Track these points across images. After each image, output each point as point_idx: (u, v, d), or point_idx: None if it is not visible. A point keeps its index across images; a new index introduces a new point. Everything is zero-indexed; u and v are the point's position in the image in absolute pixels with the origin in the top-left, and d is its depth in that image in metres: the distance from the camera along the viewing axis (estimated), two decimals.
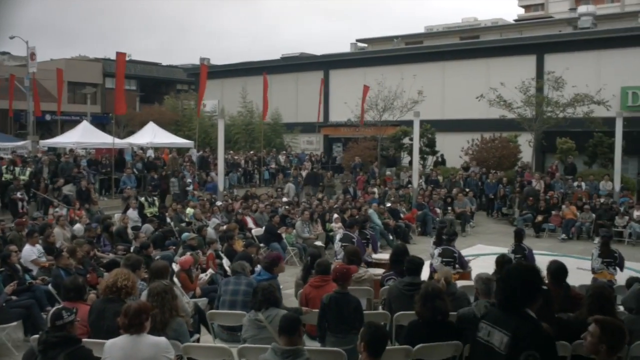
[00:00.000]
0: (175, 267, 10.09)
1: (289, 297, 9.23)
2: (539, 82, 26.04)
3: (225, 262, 11.57)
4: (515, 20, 53.72)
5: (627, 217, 17.71)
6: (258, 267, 9.88)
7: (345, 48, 45.17)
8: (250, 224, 16.19)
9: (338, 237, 11.39)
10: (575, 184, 22.04)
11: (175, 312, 5.84)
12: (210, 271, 10.69)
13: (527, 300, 3.87)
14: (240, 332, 6.98)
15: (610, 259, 9.69)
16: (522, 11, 64.65)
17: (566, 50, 28.80)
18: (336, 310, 6.20)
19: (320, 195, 20.66)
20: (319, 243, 15.11)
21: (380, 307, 7.88)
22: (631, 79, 26.96)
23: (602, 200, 19.26)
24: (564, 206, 19.13)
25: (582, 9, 36.68)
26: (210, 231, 14.11)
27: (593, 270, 9.86)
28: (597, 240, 17.07)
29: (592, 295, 5.57)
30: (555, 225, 18.59)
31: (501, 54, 30.78)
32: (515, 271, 3.98)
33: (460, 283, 9.22)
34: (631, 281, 6.61)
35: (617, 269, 9.77)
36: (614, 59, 27.66)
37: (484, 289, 5.70)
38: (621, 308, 6.43)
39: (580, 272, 9.87)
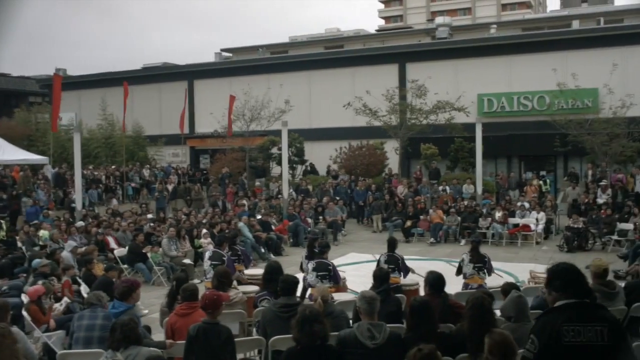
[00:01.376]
0: (25, 298, 9.03)
1: (154, 321, 8.45)
2: (403, 90, 26.72)
3: (84, 289, 10.56)
4: (377, 31, 55.29)
5: (489, 219, 18.38)
6: None
7: (210, 58, 44.25)
8: (112, 244, 15.10)
9: (207, 255, 10.71)
10: (440, 188, 22.71)
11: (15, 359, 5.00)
12: (65, 300, 9.67)
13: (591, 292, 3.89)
14: None
15: (481, 264, 9.78)
16: (382, 22, 66.76)
17: (426, 60, 29.84)
18: (204, 342, 5.60)
19: (187, 210, 19.80)
20: (187, 261, 14.32)
21: (254, 330, 7.37)
22: (486, 86, 28.33)
23: (465, 203, 19.89)
24: (431, 210, 19.56)
25: (439, 20, 38.32)
26: (66, 255, 12.92)
27: (464, 276, 9.90)
28: (463, 242, 17.72)
29: (473, 307, 5.40)
30: (424, 229, 18.95)
31: (365, 63, 31.33)
32: (569, 268, 3.90)
33: (337, 297, 8.95)
34: (508, 288, 6.54)
35: (487, 273, 9.88)
36: (470, 67, 28.99)
37: (367, 309, 5.33)
38: (497, 314, 6.38)
39: (452, 279, 9.87)
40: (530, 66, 27.54)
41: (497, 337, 4.07)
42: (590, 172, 23.02)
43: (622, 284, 7.72)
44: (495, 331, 4.32)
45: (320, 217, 19.61)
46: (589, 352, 3.54)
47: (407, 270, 10.17)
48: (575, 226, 16.92)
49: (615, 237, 16.66)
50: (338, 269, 10.11)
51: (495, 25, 40.30)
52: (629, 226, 16.66)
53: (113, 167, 28.58)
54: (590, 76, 24.12)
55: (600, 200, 19.41)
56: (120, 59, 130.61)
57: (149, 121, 34.40)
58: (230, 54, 47.74)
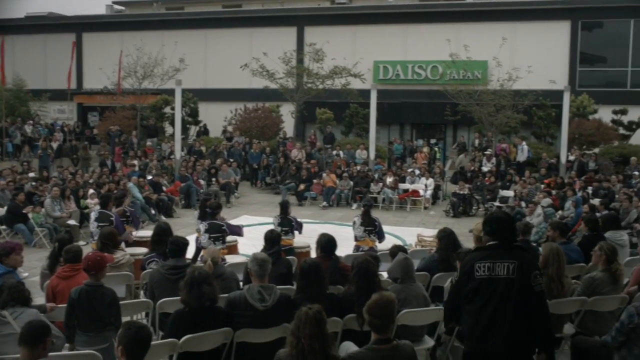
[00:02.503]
0: None
1: (35, 285, 8.04)
2: (300, 54, 26.60)
3: None
4: None
5: (381, 184, 18.79)
6: None
7: (100, 10, 41.97)
8: None
9: (93, 216, 10.27)
10: (334, 152, 22.94)
11: None
12: None
13: (516, 235, 4.76)
14: None
15: (371, 227, 9.98)
16: None
17: (325, 24, 29.80)
18: (87, 305, 5.37)
19: (74, 169, 18.92)
20: (72, 222, 13.73)
21: (141, 293, 7.17)
22: (382, 54, 28.72)
23: (358, 168, 20.21)
24: (324, 174, 19.73)
25: None
26: None
27: (355, 238, 10.08)
28: (355, 206, 18.05)
29: (358, 272, 5.53)
30: (317, 193, 19.12)
31: (263, 24, 30.87)
32: (500, 216, 4.66)
33: (228, 258, 8.88)
34: (395, 250, 6.70)
35: (377, 237, 10.10)
36: (368, 34, 29.27)
37: (258, 272, 5.28)
38: (385, 276, 6.54)
39: (348, 242, 10.04)
40: (426, 36, 28.16)
41: (377, 297, 4.17)
42: (477, 141, 23.98)
43: None
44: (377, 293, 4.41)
45: (213, 179, 19.32)
46: (497, 283, 4.32)
47: (301, 227, 10.33)
48: (461, 192, 17.63)
49: (497, 203, 17.48)
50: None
51: None
52: (509, 193, 17.58)
53: None
54: (481, 49, 24.92)
55: (484, 169, 20.27)
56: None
57: (32, 74, 32.24)
58: (123, 7, 45.54)
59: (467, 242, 7.87)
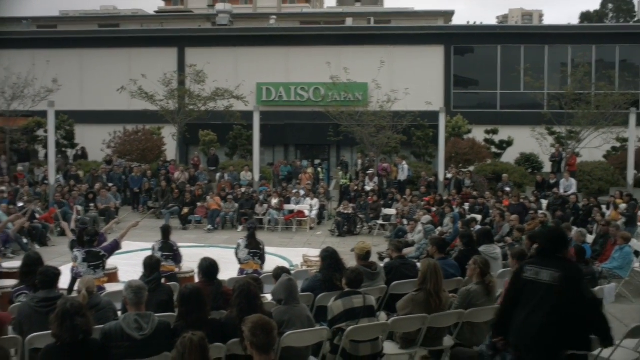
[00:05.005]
0: None
1: None
2: (181, 75, 26.21)
3: None
4: (156, 12, 53.64)
5: (266, 205, 18.75)
6: None
7: None
8: None
9: None
10: (218, 175, 22.67)
11: None
12: None
13: (563, 249, 5.13)
14: None
15: (257, 250, 9.89)
16: (162, 4, 64.92)
17: (206, 45, 29.65)
18: None
19: None
20: None
21: (10, 329, 6.66)
22: (265, 75, 28.88)
23: (243, 190, 20.07)
24: (208, 197, 19.43)
25: (219, 6, 38.08)
26: None
27: (240, 261, 9.95)
28: (240, 228, 17.88)
29: (240, 295, 5.45)
30: (201, 216, 18.77)
31: (143, 45, 30.26)
32: (546, 230, 5.73)
33: (109, 287, 8.50)
34: (278, 271, 6.65)
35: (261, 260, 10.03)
36: (250, 56, 29.39)
37: (134, 299, 5.07)
38: (269, 298, 6.48)
39: (228, 265, 9.87)
40: (307, 58, 28.66)
41: (254, 319, 4.17)
42: (360, 162, 24.52)
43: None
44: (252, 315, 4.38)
45: (92, 205, 18.51)
46: (541, 287, 4.85)
47: (181, 258, 10.04)
48: (346, 212, 17.92)
49: (380, 221, 17.97)
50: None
51: (275, 17, 41.24)
52: (392, 211, 18.05)
53: None
54: (360, 71, 25.63)
55: (367, 188, 20.74)
56: None
57: None
58: None
59: (352, 261, 7.95)
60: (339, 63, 25.92)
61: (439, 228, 14.91)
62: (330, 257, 7.16)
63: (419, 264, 7.56)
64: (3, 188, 18.79)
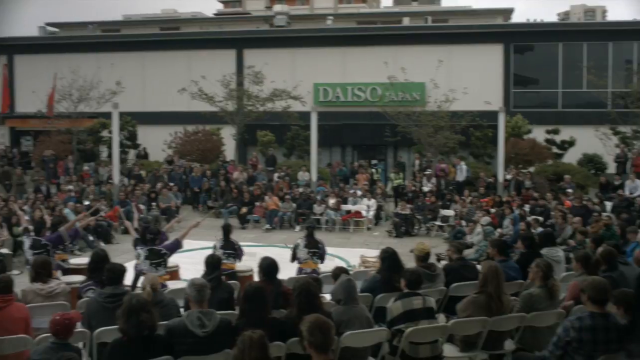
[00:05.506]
0: None
1: None
2: (240, 77, 26.55)
3: None
4: (215, 15, 54.51)
5: (323, 205, 18.82)
6: None
7: (33, 32, 41.02)
8: None
9: (27, 244, 9.94)
10: (276, 175, 22.88)
11: None
12: None
13: None
14: None
15: (315, 249, 9.95)
16: (221, 6, 65.93)
17: (264, 47, 29.87)
18: None
19: (6, 195, 18.26)
20: (5, 250, 13.22)
21: (78, 323, 6.90)
22: (322, 76, 28.95)
23: (300, 190, 20.20)
24: (266, 197, 19.64)
25: (277, 7, 38.55)
26: None
27: (299, 260, 10.02)
28: (298, 228, 18.00)
29: (300, 294, 5.48)
30: (259, 216, 18.99)
31: (202, 47, 30.72)
32: None
33: (170, 284, 8.69)
34: (337, 271, 6.67)
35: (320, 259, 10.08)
36: (307, 57, 29.51)
37: (197, 297, 5.19)
38: (328, 298, 6.50)
39: (287, 264, 9.96)
40: (364, 58, 28.55)
41: (312, 318, 4.18)
42: (417, 162, 24.34)
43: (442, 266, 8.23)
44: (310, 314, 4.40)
45: (153, 204, 18.97)
46: None
47: (241, 254, 10.17)
48: (403, 213, 17.83)
49: (438, 222, 17.80)
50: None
51: (332, 17, 41.33)
52: (450, 212, 17.87)
53: None
54: (418, 71, 25.41)
55: (425, 189, 20.58)
56: None
57: None
58: (57, 29, 44.65)
59: (410, 262, 7.91)
60: (396, 63, 25.78)
61: (499, 230, 14.67)
62: (389, 258, 7.12)
63: (479, 266, 7.45)
64: (70, 187, 19.48)
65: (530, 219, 14.55)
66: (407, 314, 5.80)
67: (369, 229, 18.51)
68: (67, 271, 9.93)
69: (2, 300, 5.97)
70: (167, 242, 9.81)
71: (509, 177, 21.36)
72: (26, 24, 50.88)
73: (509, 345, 6.30)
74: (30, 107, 28.80)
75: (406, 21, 37.84)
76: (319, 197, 19.47)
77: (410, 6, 51.58)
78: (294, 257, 10.11)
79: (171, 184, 20.89)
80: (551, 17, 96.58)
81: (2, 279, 6.14)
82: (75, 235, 11.53)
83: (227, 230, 10.29)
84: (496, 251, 7.78)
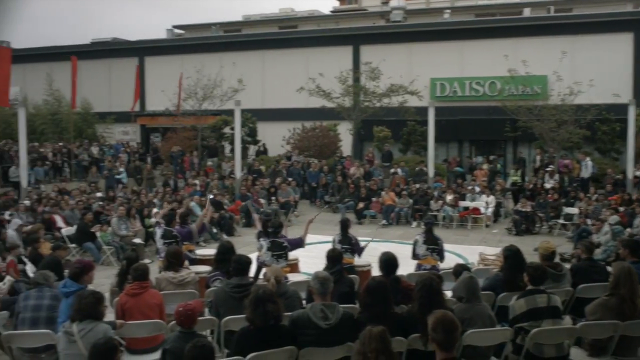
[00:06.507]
0: None
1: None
2: (356, 73, 26.72)
3: (30, 268, 10.28)
4: (331, 12, 54.99)
5: (440, 202, 18.60)
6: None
7: (161, 34, 43.30)
8: (60, 222, 14.73)
9: (159, 233, 10.54)
10: (392, 170, 22.85)
11: None
12: (8, 278, 9.37)
13: None
14: (44, 353, 6.10)
15: (434, 246, 9.88)
16: (337, 3, 66.40)
17: (380, 42, 29.85)
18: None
19: (138, 189, 19.44)
20: (138, 240, 14.11)
21: (206, 311, 7.28)
22: (439, 70, 28.56)
23: (417, 186, 20.07)
24: (383, 192, 19.68)
25: (393, 2, 38.31)
26: (11, 234, 12.61)
27: (417, 257, 9.98)
28: (414, 224, 17.92)
29: (422, 289, 5.46)
30: (376, 211, 19.06)
31: (319, 44, 31.18)
32: None
33: (290, 277, 8.93)
34: (459, 269, 6.61)
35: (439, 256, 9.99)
36: (424, 51, 29.19)
37: (320, 290, 5.31)
38: (449, 295, 6.46)
39: (404, 260, 9.95)
40: (482, 52, 27.87)
41: (439, 314, 4.16)
42: (538, 158, 23.49)
43: (568, 266, 7.92)
44: (438, 310, 4.38)
45: (273, 198, 19.52)
46: None
47: (361, 251, 10.23)
48: (523, 210, 17.27)
49: (561, 220, 17.09)
50: None
51: (449, 10, 40.58)
52: (574, 210, 17.09)
53: (60, 144, 27.82)
54: (540, 63, 24.53)
55: (547, 185, 19.83)
56: (66, 34, 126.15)
57: (97, 97, 33.49)
58: (182, 31, 46.87)
59: (533, 261, 7.67)
60: (517, 55, 24.97)
61: (628, 229, 13.89)
62: (513, 256, 6.90)
63: (608, 268, 7.13)
64: (196, 181, 20.42)
65: None
66: (531, 312, 5.66)
67: (487, 226, 18.11)
68: (194, 261, 10.42)
69: (139, 286, 6.40)
70: (291, 237, 10.09)
71: (639, 173, 20.15)
72: (155, 28, 53.62)
73: None
74: (159, 106, 30.52)
75: (527, 12, 36.43)
76: (436, 194, 19.26)
77: None
78: (414, 254, 10.07)
79: (290, 179, 21.38)
80: None
81: (140, 267, 6.59)
82: (202, 230, 12.11)
83: (345, 225, 10.36)
84: (628, 252, 7.39)
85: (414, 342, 5.34)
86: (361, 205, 19.16)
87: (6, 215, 13.71)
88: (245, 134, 26.92)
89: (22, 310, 6.36)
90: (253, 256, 9.66)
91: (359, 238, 10.78)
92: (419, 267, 9.70)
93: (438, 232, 13.18)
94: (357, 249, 10.16)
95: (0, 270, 9.45)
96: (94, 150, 27.56)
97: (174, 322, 5.93)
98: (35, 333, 6.08)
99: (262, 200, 19.25)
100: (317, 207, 21.53)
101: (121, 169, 23.32)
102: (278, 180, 21.02)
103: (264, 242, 9.65)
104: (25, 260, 10.61)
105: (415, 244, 10.09)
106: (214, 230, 16.22)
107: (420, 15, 42.11)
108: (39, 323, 6.22)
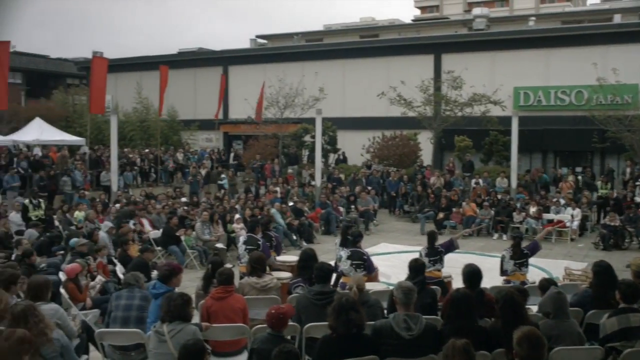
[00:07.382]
0: (62, 275, 9.18)
1: None
2: (438, 82, 26.48)
3: (119, 269, 10.74)
4: (413, 20, 54.79)
5: (523, 214, 18.14)
6: (155, 273, 9.19)
7: (245, 44, 44.33)
8: (147, 226, 15.29)
9: (242, 239, 10.76)
10: (473, 181, 22.48)
11: (44, 337, 4.92)
12: (99, 278, 9.82)
13: None
14: (134, 351, 6.36)
15: (522, 259, 9.63)
16: (418, 12, 66.14)
17: (462, 51, 29.45)
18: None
19: (221, 195, 19.95)
20: (220, 245, 14.45)
21: None
22: (523, 79, 27.91)
23: (499, 197, 19.66)
24: (464, 203, 19.39)
25: (476, 11, 37.85)
26: (102, 235, 13.16)
27: (505, 273, 9.74)
28: (496, 236, 17.57)
29: (504, 305, 5.36)
30: (456, 222, 18.78)
31: (400, 53, 31.09)
32: None
33: (369, 286, 8.93)
34: (546, 283, 6.43)
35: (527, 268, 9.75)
36: (507, 60, 28.60)
37: (404, 300, 5.29)
38: (534, 310, 6.30)
39: (491, 272, 9.75)
40: (569, 60, 27.03)
41: (525, 329, 4.11)
42: (628, 170, 22.54)
43: None
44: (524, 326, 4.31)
45: (352, 206, 19.57)
46: None
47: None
48: (612, 224, 16.61)
49: None
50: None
51: (533, 18, 39.62)
52: None
53: (147, 150, 28.89)
54: (631, 71, 23.62)
55: (638, 199, 19.01)
56: (155, 45, 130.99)
57: (183, 105, 34.68)
58: (265, 41, 47.79)
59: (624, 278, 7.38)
60: (606, 64, 24.11)
61: None
62: (604, 272, 6.63)
63: None
64: (277, 189, 20.74)
65: None
66: (624, 331, 5.42)
67: (572, 239, 17.52)
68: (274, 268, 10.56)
69: (224, 290, 6.56)
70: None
71: None
72: (239, 38, 55.04)
73: None
74: (242, 114, 31.20)
75: (617, 18, 35.09)
76: (518, 205, 18.80)
77: (620, 2, 47.73)
78: (502, 270, 9.83)
79: (369, 188, 21.39)
80: None
81: (225, 271, 6.76)
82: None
83: (432, 237, 10.04)
84: None
85: (499, 357, 5.24)
86: (441, 215, 18.94)
87: (131, 224, 14.15)
88: (325, 142, 27.13)
89: (114, 309, 6.65)
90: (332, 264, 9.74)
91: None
92: (507, 283, 9.44)
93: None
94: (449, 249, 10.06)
95: (91, 269, 9.88)
96: (179, 156, 28.43)
97: (259, 325, 6.08)
98: (126, 331, 6.35)
99: (342, 209, 19.34)
100: (396, 217, 21.48)
101: (223, 175, 24.23)
102: (357, 188, 21.06)
103: (343, 252, 9.68)
104: (115, 261, 11.08)
105: (502, 259, 9.85)
106: (294, 237, 16.42)
107: (503, 23, 41.35)
108: (130, 322, 6.49)
